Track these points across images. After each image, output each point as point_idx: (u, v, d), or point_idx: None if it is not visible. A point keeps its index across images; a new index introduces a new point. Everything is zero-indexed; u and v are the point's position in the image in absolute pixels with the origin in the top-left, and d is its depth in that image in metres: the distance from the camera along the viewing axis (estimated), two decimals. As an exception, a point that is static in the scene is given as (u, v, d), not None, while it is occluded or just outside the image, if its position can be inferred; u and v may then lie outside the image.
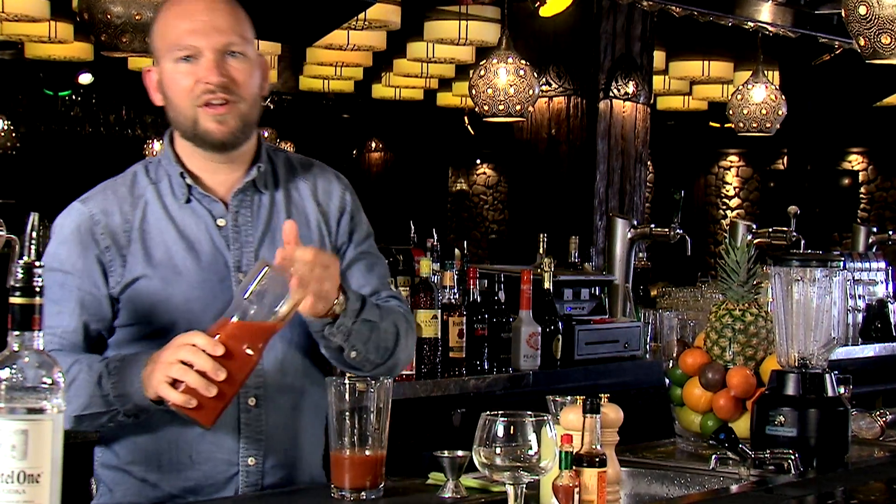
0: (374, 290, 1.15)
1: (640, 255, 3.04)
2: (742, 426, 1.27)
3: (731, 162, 7.21)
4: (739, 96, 3.37)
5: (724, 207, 7.17)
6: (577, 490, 0.97)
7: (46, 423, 0.75)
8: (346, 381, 1.03)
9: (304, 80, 4.83)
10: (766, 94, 3.34)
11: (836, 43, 3.28)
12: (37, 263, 0.78)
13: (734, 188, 7.19)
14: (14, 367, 0.75)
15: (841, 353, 2.38)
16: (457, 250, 2.18)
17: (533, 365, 2.06)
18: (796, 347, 1.24)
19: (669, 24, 3.27)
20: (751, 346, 1.33)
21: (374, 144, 7.59)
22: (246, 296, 0.98)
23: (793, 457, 1.16)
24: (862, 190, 6.63)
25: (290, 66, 5.01)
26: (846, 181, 6.61)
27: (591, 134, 3.19)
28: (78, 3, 2.41)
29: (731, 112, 3.39)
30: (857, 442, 1.34)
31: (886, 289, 2.80)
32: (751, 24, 3.09)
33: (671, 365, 1.39)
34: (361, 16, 3.38)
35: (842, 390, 1.26)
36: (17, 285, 0.77)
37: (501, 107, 2.77)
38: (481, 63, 2.83)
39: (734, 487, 1.11)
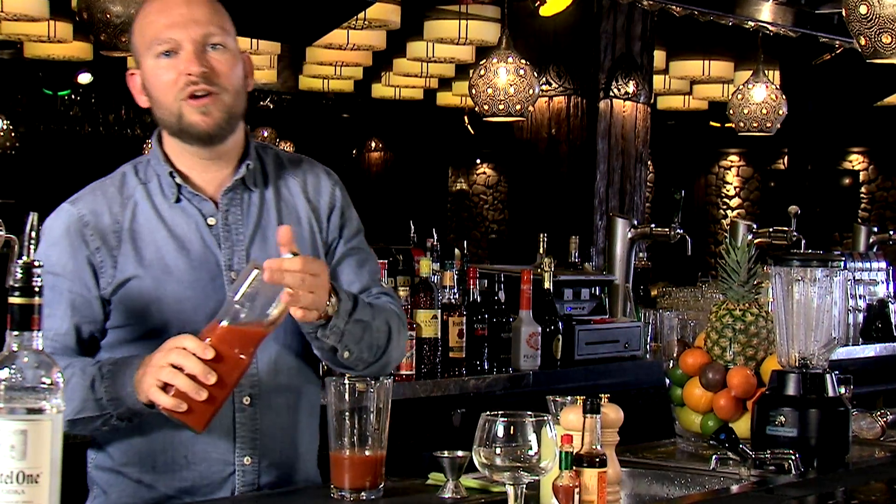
0: (364, 286, 1.15)
1: (641, 254, 3.04)
2: (742, 426, 1.27)
3: (732, 162, 7.21)
4: (740, 96, 3.37)
5: (725, 207, 7.17)
6: (577, 490, 0.97)
7: (45, 423, 0.75)
8: (346, 382, 1.03)
9: (303, 80, 4.83)
10: (767, 94, 3.34)
11: (837, 42, 3.28)
12: (36, 263, 0.77)
13: (735, 188, 7.19)
14: (13, 367, 0.75)
15: (841, 353, 2.38)
16: (457, 250, 2.18)
17: (533, 365, 2.06)
18: (797, 347, 1.24)
19: (670, 23, 3.27)
20: (751, 346, 1.33)
21: (373, 144, 7.59)
22: (236, 299, 0.98)
23: (793, 457, 1.16)
24: (862, 190, 6.63)
25: (290, 66, 5.01)
26: (847, 181, 6.61)
27: (591, 134, 3.19)
28: (77, 2, 2.41)
29: (731, 112, 3.39)
30: (858, 442, 1.34)
31: (887, 289, 2.80)
32: (751, 23, 3.09)
33: (671, 365, 1.39)
34: (361, 15, 3.37)
35: (842, 390, 1.26)
36: (17, 285, 0.77)
37: (501, 106, 2.77)
38: (481, 63, 2.83)
39: (735, 488, 1.11)
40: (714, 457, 1.19)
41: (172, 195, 1.10)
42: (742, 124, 3.37)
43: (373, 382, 1.03)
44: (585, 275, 2.40)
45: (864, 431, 1.38)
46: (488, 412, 0.96)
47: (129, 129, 5.70)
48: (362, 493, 1.02)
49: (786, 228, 2.70)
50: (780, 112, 3.35)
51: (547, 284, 2.13)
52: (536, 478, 0.96)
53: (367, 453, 1.02)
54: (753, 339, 1.33)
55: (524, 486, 0.95)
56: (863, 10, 1.81)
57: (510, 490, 0.95)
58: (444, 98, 5.38)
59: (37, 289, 0.77)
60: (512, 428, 0.94)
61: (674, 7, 2.92)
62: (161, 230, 1.09)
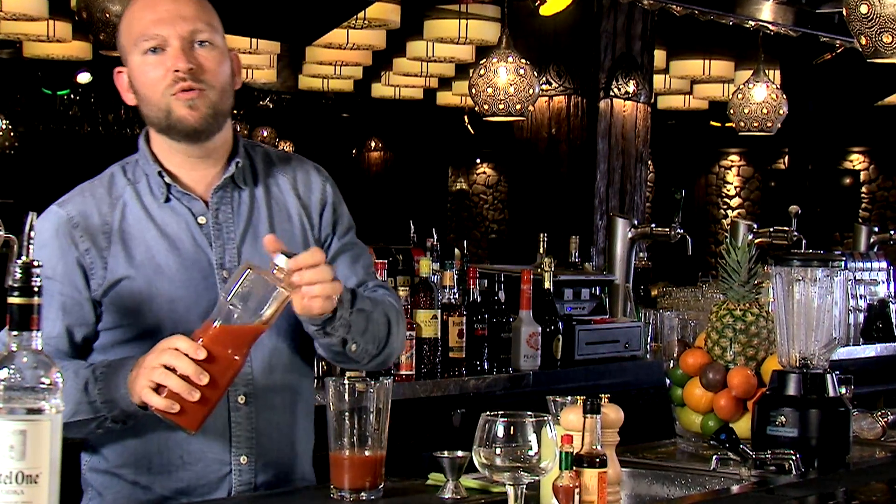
0: (360, 280, 1.15)
1: (641, 254, 3.03)
2: (743, 426, 1.27)
3: (732, 161, 7.21)
4: (740, 95, 3.37)
5: (725, 207, 7.17)
6: (577, 491, 0.97)
7: (45, 423, 0.75)
8: (346, 382, 1.03)
9: (303, 80, 4.83)
10: (767, 94, 3.33)
11: (838, 42, 3.28)
12: (35, 263, 0.77)
13: (735, 188, 7.18)
14: (12, 367, 0.75)
15: (842, 353, 2.38)
16: (457, 250, 2.18)
17: (533, 365, 2.06)
18: (797, 347, 1.24)
19: (670, 22, 3.27)
20: (752, 346, 1.33)
21: (373, 144, 7.59)
22: (229, 299, 0.98)
23: (794, 457, 1.16)
24: (863, 189, 6.63)
25: (290, 65, 5.01)
26: (847, 181, 6.61)
27: (591, 133, 3.19)
28: (76, 2, 2.40)
29: (731, 111, 3.39)
30: (859, 442, 1.33)
31: (888, 289, 2.79)
32: (752, 22, 3.09)
33: (672, 365, 1.38)
34: (361, 15, 3.38)
35: (843, 390, 1.26)
36: (16, 285, 0.76)
37: (501, 106, 2.77)
38: (481, 62, 2.82)
39: (735, 488, 1.11)
40: (714, 457, 1.18)
41: (162, 195, 1.10)
42: (742, 124, 3.37)
43: (372, 382, 1.02)
44: (585, 275, 2.40)
45: (865, 432, 1.38)
46: (488, 412, 0.96)
47: (129, 128, 5.70)
48: (362, 494, 1.02)
49: (786, 228, 2.69)
50: (781, 112, 3.34)
51: (547, 284, 2.13)
52: (536, 478, 0.96)
53: (366, 453, 1.02)
54: (754, 339, 1.33)
55: (524, 486, 0.95)
56: (863, 9, 1.81)
57: (510, 490, 0.95)
58: (444, 98, 5.38)
59: (36, 289, 0.76)
60: (512, 428, 0.94)
61: (674, 6, 2.92)
62: (151, 230, 1.09)
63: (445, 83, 5.06)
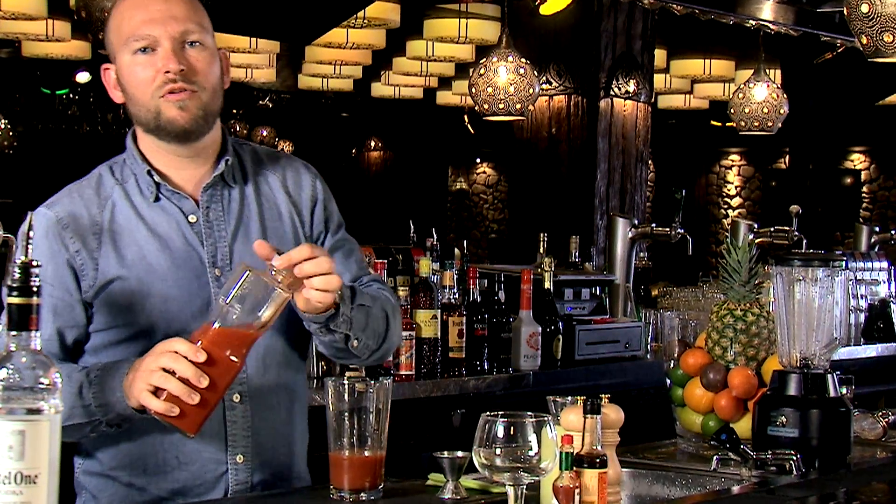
0: (354, 276, 1.15)
1: (641, 254, 3.03)
2: (743, 427, 1.26)
3: (733, 161, 7.20)
4: (741, 95, 3.36)
5: (726, 207, 7.16)
6: (577, 491, 0.96)
7: (44, 423, 0.74)
8: (346, 382, 1.02)
9: (302, 79, 4.83)
10: (768, 93, 3.33)
11: (838, 41, 3.27)
12: (34, 263, 0.77)
13: (735, 187, 7.18)
14: (11, 367, 0.75)
15: (843, 353, 2.37)
16: (456, 250, 2.18)
17: (533, 365, 2.06)
18: (798, 348, 1.23)
19: (670, 22, 3.26)
20: (752, 346, 1.32)
21: (373, 143, 7.59)
22: (227, 301, 0.97)
23: (794, 457, 1.16)
24: (864, 189, 6.63)
25: (289, 65, 5.00)
26: (848, 180, 6.61)
27: (591, 133, 3.19)
28: (75, 1, 2.40)
29: (732, 111, 3.39)
30: (860, 443, 1.33)
31: (889, 289, 2.79)
32: (752, 22, 3.08)
33: (672, 365, 1.38)
34: (361, 14, 3.37)
35: (844, 391, 1.25)
36: (15, 285, 0.76)
37: (501, 105, 2.76)
38: (481, 61, 2.82)
39: (736, 488, 1.11)
40: (715, 457, 1.18)
41: (151, 194, 1.09)
42: (743, 123, 3.36)
43: (372, 383, 1.02)
44: (586, 275, 2.40)
45: (866, 432, 1.38)
46: (488, 412, 0.96)
47: (128, 128, 5.65)
48: (362, 494, 1.02)
49: (787, 228, 2.69)
50: (782, 111, 3.34)
51: (547, 284, 2.13)
52: (536, 478, 0.96)
53: (366, 454, 1.01)
54: (754, 339, 1.32)
55: (524, 486, 0.95)
56: (864, 8, 1.81)
57: (510, 491, 0.95)
58: (443, 97, 5.38)
59: (35, 288, 0.76)
60: (512, 428, 0.93)
61: (674, 6, 2.92)
62: (142, 230, 1.08)
63: (445, 83, 5.06)
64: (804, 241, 2.67)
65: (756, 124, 3.35)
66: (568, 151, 3.22)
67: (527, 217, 3.25)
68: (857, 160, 6.70)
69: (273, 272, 0.99)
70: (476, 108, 2.85)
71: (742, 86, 3.39)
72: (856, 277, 2.68)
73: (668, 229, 2.51)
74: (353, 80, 4.70)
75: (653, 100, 3.44)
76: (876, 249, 3.03)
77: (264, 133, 6.38)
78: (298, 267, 0.99)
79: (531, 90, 2.76)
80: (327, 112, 6.61)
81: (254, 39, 3.76)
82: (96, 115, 5.81)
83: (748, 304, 1.34)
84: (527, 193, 3.31)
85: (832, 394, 1.22)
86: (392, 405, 1.04)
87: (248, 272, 0.98)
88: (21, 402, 0.74)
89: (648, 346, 2.34)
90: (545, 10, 2.82)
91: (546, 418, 0.95)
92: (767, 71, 3.45)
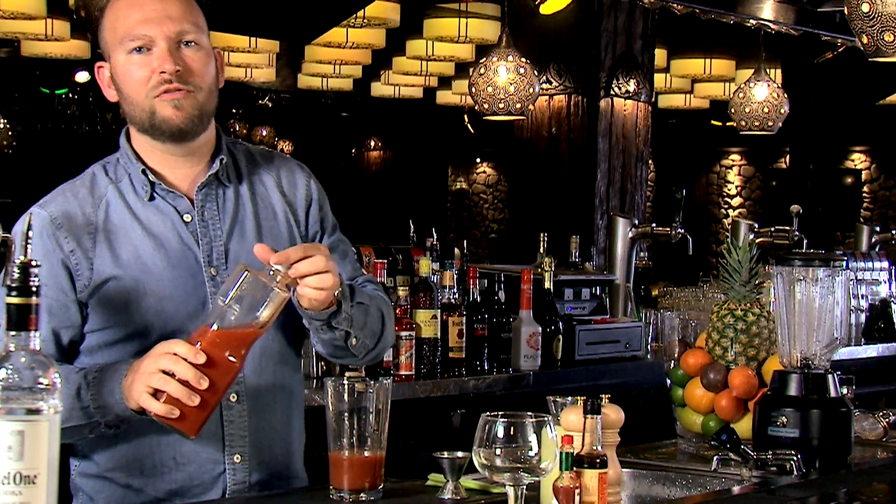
0: (350, 276, 1.15)
1: (642, 254, 3.03)
2: (744, 427, 1.26)
3: (733, 161, 7.20)
4: (741, 94, 3.36)
5: (726, 206, 7.16)
6: (577, 491, 0.96)
7: (43, 423, 0.74)
8: (345, 382, 1.02)
9: (302, 78, 4.83)
10: (769, 93, 3.33)
11: (839, 41, 3.27)
12: (33, 263, 0.77)
13: (736, 187, 7.18)
14: (10, 367, 0.74)
15: (844, 353, 2.36)
16: (456, 250, 2.18)
17: (533, 365, 2.06)
18: (798, 348, 1.23)
19: (671, 21, 3.26)
20: (753, 346, 1.32)
21: (373, 143, 7.59)
22: (226, 301, 0.97)
23: (795, 458, 1.16)
24: (865, 189, 6.63)
25: (289, 64, 5.00)
26: (849, 180, 6.61)
27: (591, 132, 3.19)
28: (74, 0, 2.40)
29: (732, 110, 3.38)
30: (860, 443, 1.33)
31: (889, 288, 2.79)
32: (753, 21, 3.08)
33: (672, 365, 1.38)
34: (360, 13, 3.37)
35: (844, 391, 1.25)
36: (14, 285, 0.76)
37: (501, 105, 2.76)
38: (481, 61, 2.82)
39: (736, 489, 1.11)
40: (715, 457, 1.18)
41: (146, 193, 1.09)
42: (743, 123, 3.36)
43: (372, 383, 1.02)
44: (586, 274, 2.40)
45: (867, 432, 1.38)
46: (488, 413, 0.95)
47: (128, 128, 5.66)
48: (361, 494, 1.02)
49: (787, 228, 2.69)
50: (782, 111, 3.34)
51: (547, 284, 2.13)
52: (537, 479, 0.96)
53: (366, 454, 1.01)
54: (755, 339, 1.32)
55: (524, 487, 0.95)
56: (865, 8, 1.81)
57: (510, 491, 0.95)
58: (443, 97, 5.38)
59: (34, 288, 0.76)
60: (512, 429, 0.93)
61: (675, 5, 2.91)
62: (136, 229, 1.08)
63: (445, 82, 5.05)
64: (805, 241, 2.67)
65: (756, 124, 3.35)
66: (568, 151, 3.22)
67: (527, 217, 3.25)
68: (858, 160, 6.70)
69: (271, 272, 0.99)
70: (476, 107, 2.85)
71: (742, 85, 3.39)
72: (856, 277, 2.68)
73: (668, 229, 2.50)
74: (352, 79, 4.70)
75: (653, 99, 3.44)
76: (876, 249, 3.02)
77: (264, 133, 6.37)
78: (294, 266, 0.99)
79: (531, 90, 2.76)
80: (327, 112, 6.61)
81: (253, 39, 3.76)
82: (95, 115, 5.81)
83: (749, 304, 1.33)
84: (527, 193, 3.31)
85: (833, 394, 1.22)
86: (392, 405, 1.04)
87: (246, 273, 0.98)
88: (20, 403, 0.74)
89: (649, 347, 2.34)
90: (545, 9, 2.82)
91: (546, 418, 0.95)
92: (768, 70, 3.44)
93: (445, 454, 1.03)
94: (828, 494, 1.10)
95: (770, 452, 1.16)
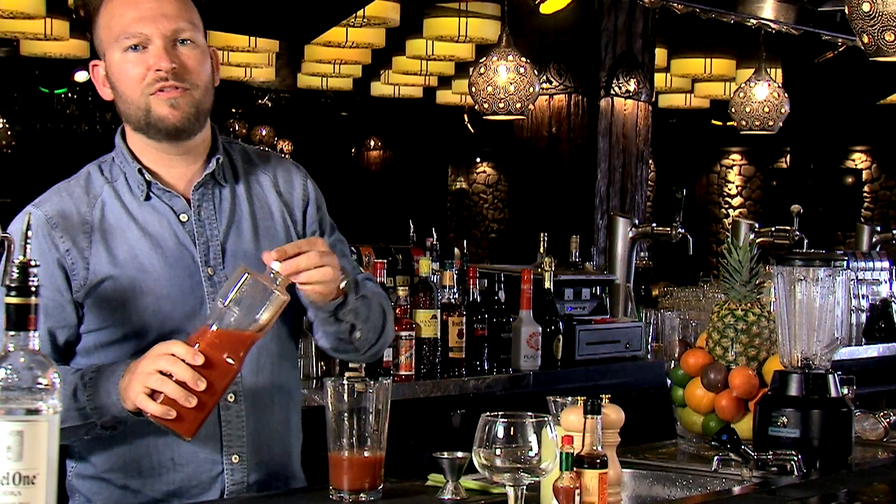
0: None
1: (642, 254, 3.03)
2: (744, 427, 1.26)
3: (734, 160, 7.20)
4: (742, 94, 3.36)
5: (727, 206, 7.16)
6: (578, 492, 0.96)
7: (42, 424, 0.74)
8: (345, 382, 1.02)
9: (302, 78, 4.82)
10: (769, 92, 3.33)
11: (840, 40, 3.27)
12: (32, 263, 0.77)
13: (736, 187, 7.18)
14: (9, 367, 0.74)
15: (844, 353, 2.35)
16: (456, 249, 2.18)
17: (533, 365, 2.06)
18: (799, 348, 1.23)
19: (671, 21, 3.26)
20: (753, 346, 1.32)
21: (372, 143, 7.58)
22: (226, 303, 0.97)
23: (796, 458, 1.15)
24: (865, 189, 6.62)
25: (289, 64, 5.00)
26: (849, 180, 6.60)
27: (592, 132, 3.18)
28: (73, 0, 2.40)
29: (733, 110, 3.38)
30: (861, 443, 1.33)
31: (890, 288, 2.79)
32: (753, 21, 3.08)
33: (673, 365, 1.38)
34: (360, 13, 3.37)
35: (845, 391, 1.25)
36: (13, 285, 0.76)
37: (501, 105, 2.76)
38: (481, 60, 2.82)
39: (736, 489, 1.11)
40: (716, 458, 1.18)
41: (142, 193, 1.09)
42: (744, 123, 3.36)
43: (371, 383, 1.02)
44: (586, 274, 2.40)
45: (867, 432, 1.37)
46: (488, 413, 0.95)
47: (127, 127, 5.67)
48: (361, 495, 1.02)
49: (788, 228, 2.69)
50: (783, 110, 3.34)
51: (547, 284, 2.13)
52: (537, 479, 0.96)
53: (366, 454, 1.01)
54: (755, 339, 1.32)
55: (524, 487, 0.95)
56: (866, 7, 1.81)
57: (510, 491, 0.95)
58: (443, 96, 5.37)
59: (33, 288, 0.76)
60: (512, 429, 0.93)
61: (675, 4, 2.91)
62: (133, 229, 1.07)
63: (445, 82, 5.05)
64: (805, 241, 2.67)
65: (757, 124, 3.34)
66: (568, 151, 3.22)
67: (527, 217, 3.25)
68: (859, 159, 6.69)
69: (271, 275, 0.99)
70: (476, 107, 2.85)
71: (743, 85, 3.39)
72: (857, 277, 2.67)
73: (668, 229, 2.50)
74: (352, 79, 4.70)
75: (653, 99, 3.43)
76: (877, 249, 3.02)
77: (263, 132, 6.37)
78: (290, 263, 0.99)
79: (531, 89, 2.76)
80: (327, 111, 6.60)
81: (253, 38, 3.76)
82: (94, 115, 5.81)
83: (749, 304, 1.33)
84: (527, 193, 3.31)
85: (833, 394, 1.22)
86: (392, 405, 1.03)
87: (246, 275, 0.98)
88: (19, 403, 0.74)
89: (649, 347, 2.34)
90: (545, 8, 2.82)
91: (546, 419, 0.95)
92: (768, 70, 3.44)
93: (445, 454, 1.03)
94: (828, 495, 1.10)
95: (770, 453, 1.16)
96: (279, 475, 1.12)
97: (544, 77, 3.17)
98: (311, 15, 3.00)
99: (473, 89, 2.80)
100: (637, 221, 2.61)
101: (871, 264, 2.76)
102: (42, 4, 3.38)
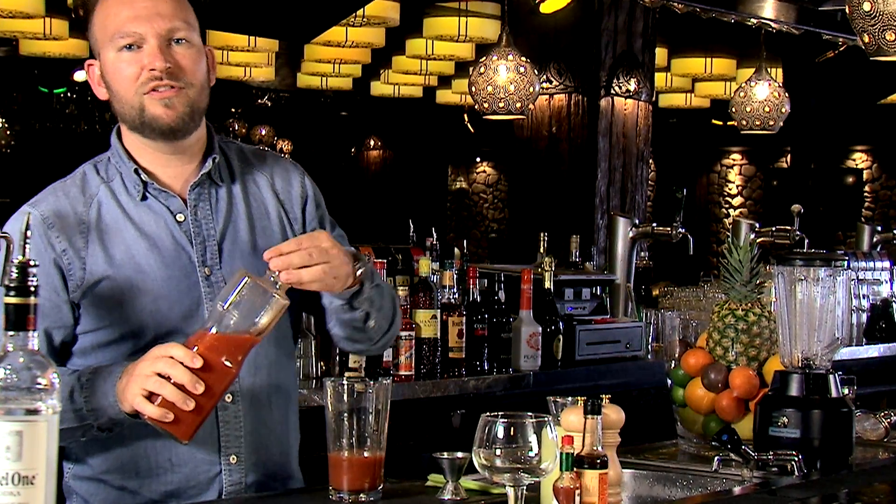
0: None
1: (642, 254, 3.03)
2: (745, 427, 1.26)
3: (734, 160, 7.20)
4: (742, 94, 3.36)
5: (727, 206, 7.16)
6: (578, 492, 0.96)
7: (41, 424, 0.74)
8: (345, 382, 1.02)
9: (301, 78, 4.82)
10: (770, 92, 3.32)
11: (840, 39, 3.27)
12: (31, 262, 0.77)
13: (737, 187, 7.18)
14: (8, 367, 0.74)
15: (845, 353, 2.36)
16: (456, 249, 2.17)
17: (533, 365, 2.05)
18: (800, 348, 1.23)
19: (671, 20, 3.26)
20: (754, 346, 1.32)
21: (372, 142, 7.58)
22: (225, 307, 0.97)
23: (796, 458, 1.15)
24: (866, 188, 6.62)
25: (288, 63, 4.99)
26: (850, 179, 6.60)
27: (592, 132, 3.18)
28: (74, -1, 2.39)
29: (733, 110, 3.38)
30: (862, 443, 1.33)
31: (891, 288, 2.79)
32: (754, 20, 3.08)
33: (673, 365, 1.37)
34: (360, 12, 3.37)
35: (846, 391, 1.25)
36: (12, 285, 0.76)
37: (501, 104, 2.76)
38: (481, 60, 2.82)
39: (737, 489, 1.11)
40: (716, 458, 1.18)
41: (138, 193, 1.08)
42: (744, 122, 3.36)
43: (371, 383, 1.02)
44: (586, 274, 2.39)
45: (868, 432, 1.37)
46: (488, 413, 0.95)
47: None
48: (361, 495, 1.01)
49: (789, 227, 2.69)
50: (783, 110, 3.33)
51: (547, 284, 2.13)
52: (537, 479, 0.95)
53: (365, 454, 1.01)
54: (756, 339, 1.32)
55: (524, 487, 0.95)
56: (866, 6, 1.80)
57: (510, 492, 0.94)
58: (443, 96, 5.37)
59: (32, 288, 0.76)
60: (512, 429, 0.93)
61: (676, 4, 2.91)
62: (129, 229, 1.07)
63: (445, 81, 5.05)
64: (806, 241, 2.66)
65: (757, 123, 3.34)
66: (568, 150, 3.22)
67: (527, 216, 3.25)
68: (859, 159, 6.69)
69: (271, 278, 0.99)
70: (476, 106, 2.85)
71: (743, 84, 3.38)
72: (858, 277, 2.67)
73: (669, 229, 2.50)
74: (352, 78, 4.69)
75: (654, 98, 3.43)
76: (878, 249, 3.02)
77: (263, 132, 6.37)
78: (282, 260, 0.98)
79: (531, 89, 2.76)
80: (326, 111, 6.60)
81: (252, 38, 3.75)
82: (94, 114, 5.80)
83: (749, 304, 1.33)
84: (527, 193, 3.31)
85: (834, 394, 1.21)
86: (391, 405, 1.03)
87: (246, 278, 0.97)
88: (19, 403, 0.73)
89: (649, 347, 2.34)
90: (545, 8, 2.82)
91: (546, 419, 0.95)
92: (769, 70, 3.44)
93: (445, 454, 1.03)
94: (829, 495, 1.10)
95: (771, 453, 1.16)
96: (277, 475, 1.12)
97: (544, 77, 3.17)
98: (311, 14, 2.99)
99: (473, 89, 2.80)
100: (637, 221, 2.60)
101: (871, 264, 2.76)
102: (41, 4, 3.37)
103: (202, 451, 1.07)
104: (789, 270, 1.24)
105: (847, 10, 1.87)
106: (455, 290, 1.97)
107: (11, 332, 0.75)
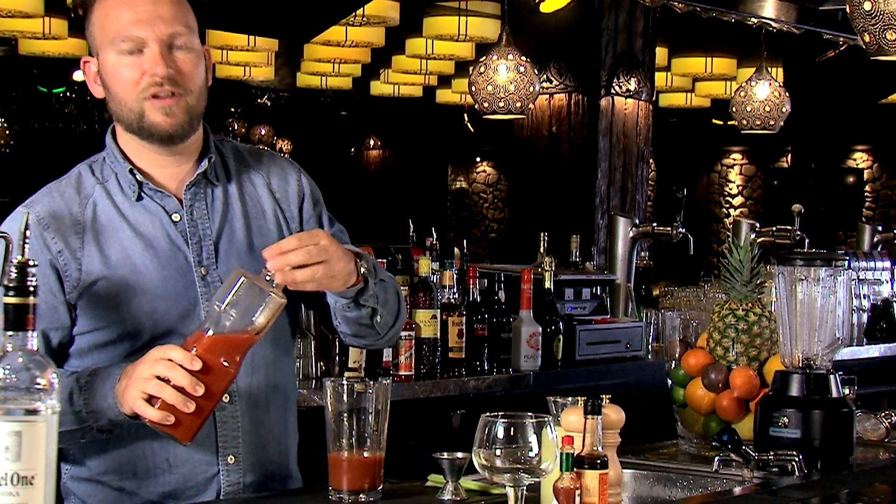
0: None
1: (642, 254, 3.03)
2: (745, 427, 1.26)
3: (735, 160, 7.19)
4: (743, 93, 3.35)
5: (728, 206, 7.16)
6: (578, 492, 0.96)
7: (40, 424, 0.74)
8: (344, 382, 1.02)
9: (301, 77, 4.82)
10: (770, 91, 3.32)
11: (841, 39, 3.27)
12: (30, 262, 0.76)
13: (737, 186, 7.17)
14: (7, 367, 0.74)
15: (845, 353, 2.36)
16: (456, 249, 2.17)
17: (533, 365, 2.05)
18: (800, 348, 1.23)
19: (672, 20, 3.26)
20: (754, 346, 1.32)
21: (372, 142, 7.58)
22: (222, 307, 0.97)
23: (797, 458, 1.15)
24: (867, 188, 6.62)
25: (288, 63, 4.99)
26: (851, 179, 6.60)
27: (592, 131, 3.18)
28: (74, -2, 2.39)
29: (734, 109, 3.38)
30: (862, 443, 1.33)
31: (892, 288, 2.79)
32: (754, 20, 3.08)
33: (673, 365, 1.37)
34: (360, 11, 3.37)
35: (846, 391, 1.25)
36: (11, 285, 0.76)
37: (501, 104, 2.76)
38: (481, 59, 2.81)
39: (737, 489, 1.10)
40: (717, 458, 1.17)
41: (133, 193, 1.08)
42: (745, 122, 3.35)
43: (371, 383, 1.02)
44: (586, 274, 2.39)
45: (869, 433, 1.37)
46: (488, 413, 0.95)
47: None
48: (360, 495, 1.01)
49: (789, 227, 2.69)
50: (784, 110, 3.33)
51: (547, 284, 2.12)
52: (537, 479, 0.95)
53: (365, 455, 1.01)
54: (756, 339, 1.32)
55: (524, 487, 0.95)
56: (867, 6, 1.80)
57: (510, 492, 0.94)
58: (443, 95, 5.37)
59: (31, 288, 0.76)
60: (512, 429, 0.93)
61: (676, 3, 2.91)
62: (125, 229, 1.07)
63: (445, 81, 5.05)
64: (806, 241, 2.66)
65: (758, 123, 3.34)
66: (568, 150, 3.22)
67: (527, 216, 3.25)
68: (860, 159, 6.69)
69: (267, 277, 0.99)
70: (476, 106, 2.85)
71: (744, 84, 3.38)
72: (858, 277, 2.67)
73: (669, 228, 2.50)
74: (352, 78, 4.69)
75: (654, 98, 3.43)
76: (879, 249, 3.02)
77: (263, 132, 6.37)
78: (279, 259, 0.98)
79: (531, 88, 2.76)
80: (326, 110, 6.60)
81: (252, 37, 3.75)
82: (93, 114, 5.80)
83: (750, 304, 1.33)
84: (527, 192, 3.31)
85: (834, 394, 1.21)
86: (391, 406, 1.03)
87: (242, 278, 0.97)
88: (18, 403, 0.73)
89: (649, 347, 2.33)
90: (545, 7, 2.82)
91: (546, 419, 0.95)
92: (769, 69, 3.44)
93: (445, 455, 1.03)
94: (829, 495, 1.10)
95: (771, 453, 1.16)
96: (275, 476, 1.11)
97: (544, 76, 3.16)
98: (311, 14, 2.99)
99: (473, 88, 2.80)
100: (637, 221, 2.60)
101: (872, 264, 2.75)
102: (41, 3, 3.37)
103: (200, 451, 1.07)
104: (790, 270, 1.24)
105: (848, 10, 1.87)
106: (455, 290, 1.97)
107: (10, 332, 0.75)
